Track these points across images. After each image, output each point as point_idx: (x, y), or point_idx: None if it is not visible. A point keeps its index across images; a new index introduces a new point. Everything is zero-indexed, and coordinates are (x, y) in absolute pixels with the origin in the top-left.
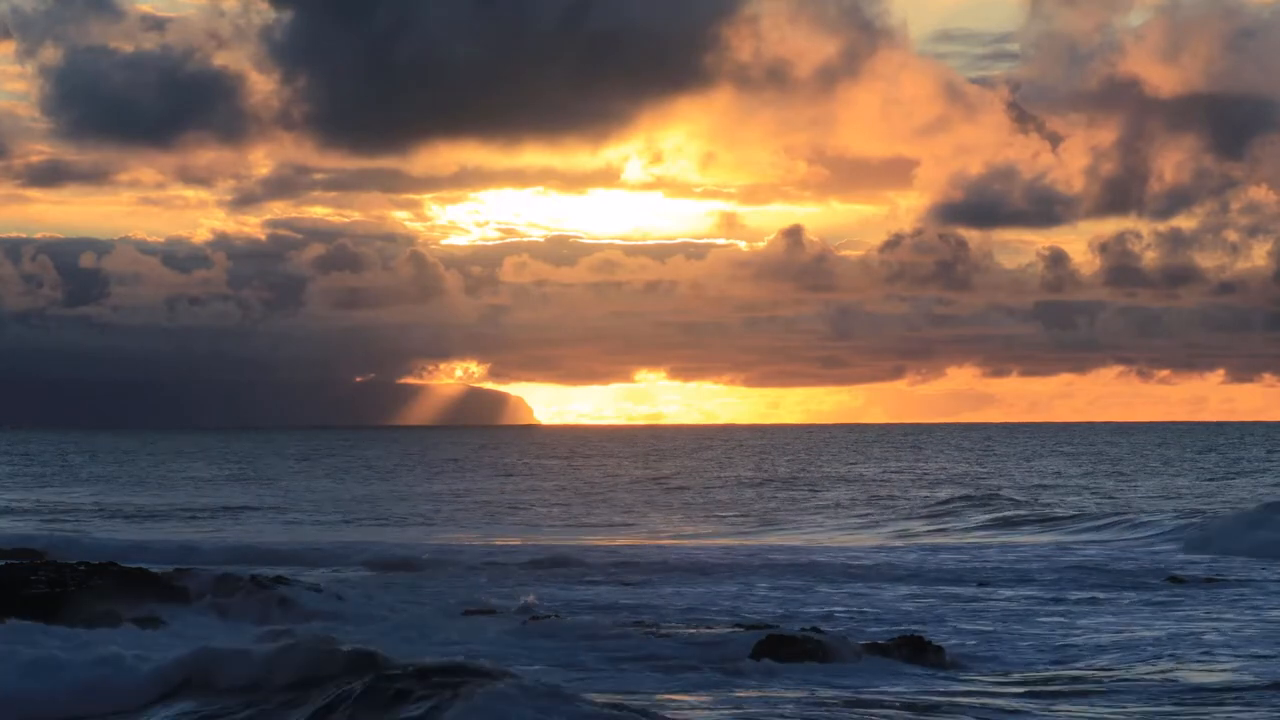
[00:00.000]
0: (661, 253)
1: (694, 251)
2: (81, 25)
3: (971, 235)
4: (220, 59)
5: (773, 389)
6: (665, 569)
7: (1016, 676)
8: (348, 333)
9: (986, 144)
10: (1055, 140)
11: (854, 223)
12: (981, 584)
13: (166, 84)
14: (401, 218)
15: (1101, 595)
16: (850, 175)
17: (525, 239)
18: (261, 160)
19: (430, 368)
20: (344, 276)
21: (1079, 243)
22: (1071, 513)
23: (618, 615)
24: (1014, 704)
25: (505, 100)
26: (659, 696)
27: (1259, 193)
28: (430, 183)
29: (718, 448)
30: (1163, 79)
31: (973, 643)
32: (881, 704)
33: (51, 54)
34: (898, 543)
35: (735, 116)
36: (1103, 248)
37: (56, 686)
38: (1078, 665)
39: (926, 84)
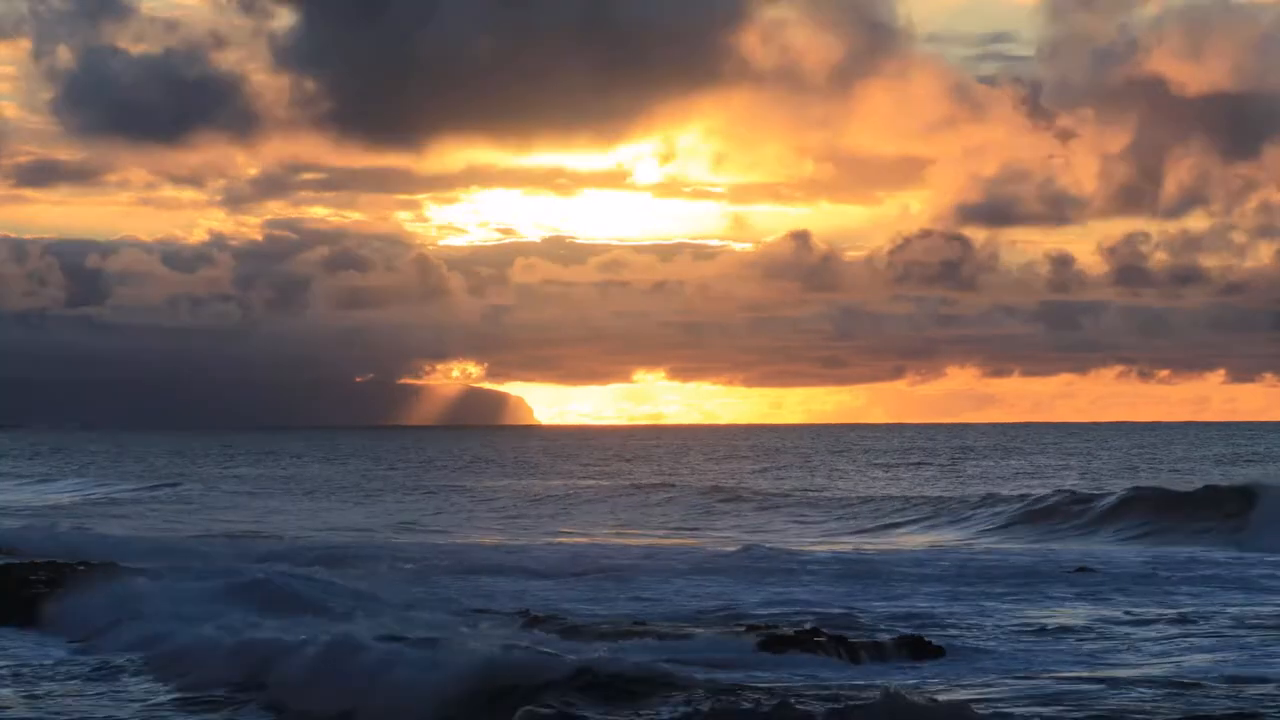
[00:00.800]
0: (667, 253)
1: (700, 252)
2: (84, 24)
3: (980, 235)
4: (224, 58)
5: (773, 389)
6: (662, 569)
7: (1017, 678)
8: (348, 333)
9: (998, 144)
10: (1066, 140)
11: (863, 222)
12: (983, 584)
13: (169, 83)
14: (404, 218)
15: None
16: (861, 175)
17: (529, 239)
18: (263, 160)
19: (429, 368)
20: (345, 276)
21: (1088, 243)
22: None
23: (616, 614)
24: (1013, 705)
25: (515, 99)
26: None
27: (1271, 194)
28: (433, 182)
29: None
30: (1177, 79)
31: (974, 643)
32: (881, 704)
33: (52, 54)
34: (899, 542)
35: (748, 116)
36: (1111, 248)
37: None
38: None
39: (939, 84)
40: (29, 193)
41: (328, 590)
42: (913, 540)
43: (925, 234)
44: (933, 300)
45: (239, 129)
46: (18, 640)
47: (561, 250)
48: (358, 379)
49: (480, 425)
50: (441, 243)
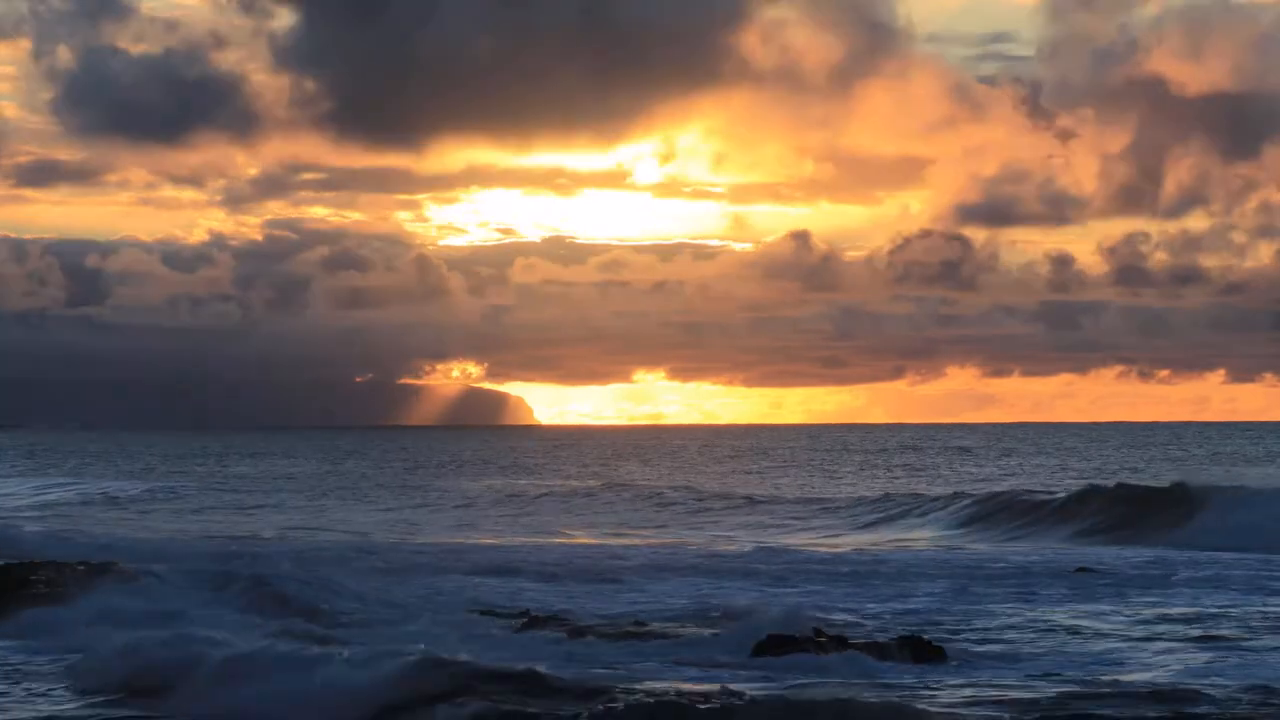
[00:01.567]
0: (667, 253)
1: (700, 252)
2: (84, 24)
3: (980, 235)
4: (224, 58)
5: (773, 389)
6: (662, 570)
7: (1017, 679)
8: (348, 333)
9: (998, 144)
10: (1066, 140)
11: (863, 222)
12: (981, 582)
13: (169, 83)
14: (404, 218)
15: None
16: (861, 175)
17: (529, 239)
18: (263, 160)
19: (429, 368)
20: (345, 276)
21: (1088, 243)
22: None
23: (617, 614)
24: (1013, 705)
25: (515, 99)
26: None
27: (1271, 194)
28: (433, 182)
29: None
30: (1177, 79)
31: (975, 643)
32: (880, 704)
33: (52, 54)
34: (890, 542)
35: (748, 116)
36: (1111, 248)
37: None
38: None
39: (939, 84)
40: (29, 193)
41: (320, 592)
42: (897, 538)
43: (925, 234)
44: (933, 300)
45: (239, 129)
46: None
47: (561, 250)
48: (358, 379)
49: (480, 425)
50: (441, 243)
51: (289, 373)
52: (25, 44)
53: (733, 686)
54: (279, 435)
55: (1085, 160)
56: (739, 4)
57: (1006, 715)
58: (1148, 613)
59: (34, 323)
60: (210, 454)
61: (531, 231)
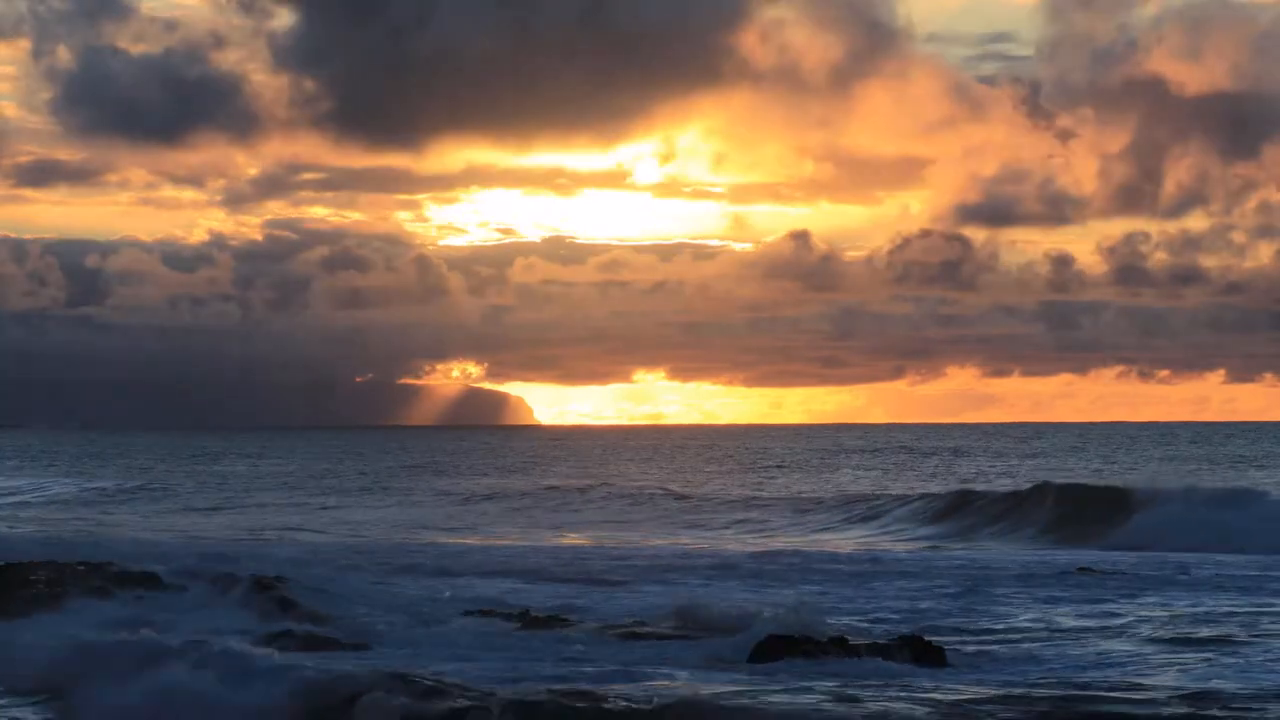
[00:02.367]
0: (668, 253)
1: (700, 252)
2: (84, 24)
3: (979, 235)
4: (224, 58)
5: (773, 389)
6: (662, 570)
7: (1017, 680)
8: (347, 333)
9: (998, 144)
10: (1066, 140)
11: (863, 222)
12: (980, 583)
13: (169, 83)
14: (404, 218)
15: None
16: (861, 175)
17: (529, 239)
18: (263, 160)
19: (429, 368)
20: (345, 276)
21: (1088, 243)
22: None
23: (617, 615)
24: (1013, 705)
25: (515, 99)
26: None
27: (1271, 194)
28: (433, 182)
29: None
30: (1177, 79)
31: (976, 644)
32: (880, 704)
33: (52, 54)
34: (891, 542)
35: (748, 116)
36: (1110, 248)
37: None
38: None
39: (939, 84)
40: (29, 193)
41: (319, 594)
42: (897, 538)
43: (925, 234)
44: (932, 300)
45: (239, 129)
46: None
47: (561, 250)
48: (358, 379)
49: (480, 425)
50: (441, 243)
51: (289, 373)
52: (25, 44)
53: (732, 688)
54: (279, 435)
55: (1085, 160)
56: (739, 4)
57: (1008, 716)
58: (1153, 613)
59: (34, 323)
60: (210, 454)
61: (531, 231)
